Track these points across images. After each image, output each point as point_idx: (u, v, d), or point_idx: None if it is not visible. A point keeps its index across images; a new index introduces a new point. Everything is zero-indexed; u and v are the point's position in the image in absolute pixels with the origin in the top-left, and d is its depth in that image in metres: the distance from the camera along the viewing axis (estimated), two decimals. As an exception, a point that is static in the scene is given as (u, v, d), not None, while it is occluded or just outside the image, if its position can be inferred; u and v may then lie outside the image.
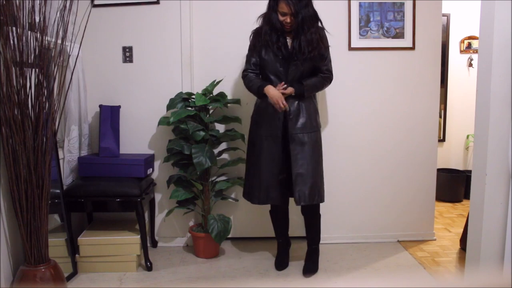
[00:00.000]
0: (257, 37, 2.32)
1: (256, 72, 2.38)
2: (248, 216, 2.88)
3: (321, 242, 2.47)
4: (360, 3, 2.73)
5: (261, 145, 2.31)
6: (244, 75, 2.40)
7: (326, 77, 2.37)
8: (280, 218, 2.52)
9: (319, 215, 2.42)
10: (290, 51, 2.25)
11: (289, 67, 2.26)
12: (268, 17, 2.25)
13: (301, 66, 2.26)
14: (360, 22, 2.74)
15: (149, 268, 2.45)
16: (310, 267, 2.40)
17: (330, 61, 2.37)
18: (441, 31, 2.83)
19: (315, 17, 2.24)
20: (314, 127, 2.31)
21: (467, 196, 3.68)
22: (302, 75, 2.29)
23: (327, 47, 2.32)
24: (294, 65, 2.26)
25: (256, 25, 2.36)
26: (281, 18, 2.21)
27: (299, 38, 2.22)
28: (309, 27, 2.20)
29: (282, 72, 2.27)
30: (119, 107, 2.71)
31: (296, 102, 2.28)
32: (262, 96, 2.30)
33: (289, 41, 2.28)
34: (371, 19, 2.75)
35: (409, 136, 2.84)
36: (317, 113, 2.37)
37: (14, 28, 1.80)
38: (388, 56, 2.79)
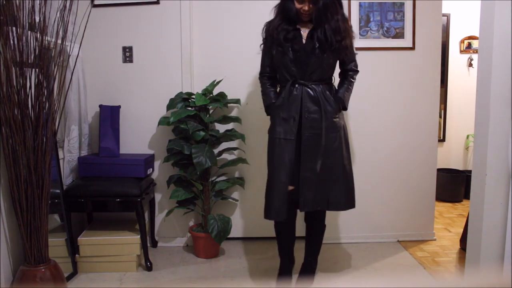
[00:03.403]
0: (268, 31, 2.10)
1: (271, 75, 2.18)
2: (248, 216, 2.88)
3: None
4: (360, 3, 2.73)
5: (273, 150, 2.07)
6: (260, 80, 2.23)
7: (353, 75, 2.16)
8: (285, 233, 2.21)
9: (324, 226, 2.24)
10: (306, 44, 2.00)
11: (307, 60, 2.00)
12: (282, 6, 2.03)
13: (328, 58, 2.01)
14: (360, 22, 2.74)
15: (149, 268, 2.45)
16: (302, 281, 2.19)
17: (355, 53, 2.16)
18: (441, 31, 2.83)
19: (338, 3, 2.01)
20: (335, 128, 2.05)
21: (467, 196, 3.68)
22: (323, 70, 2.03)
23: (353, 37, 2.11)
24: (316, 57, 1.98)
25: (271, 16, 2.15)
26: (298, 5, 1.98)
27: (323, 27, 1.97)
28: (332, 14, 1.97)
29: (294, 68, 2.02)
30: (119, 107, 2.71)
31: (315, 96, 2.02)
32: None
33: (304, 32, 2.02)
34: (371, 19, 2.75)
35: (409, 136, 2.84)
36: (339, 111, 2.11)
37: (14, 28, 1.80)
38: (388, 56, 2.79)
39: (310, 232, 2.24)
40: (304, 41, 2.01)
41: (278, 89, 2.20)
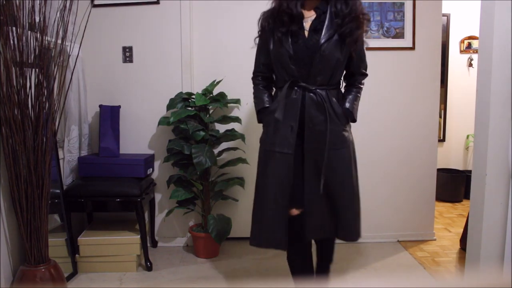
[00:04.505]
0: (266, 20, 1.76)
1: (266, 75, 1.87)
2: (248, 216, 2.85)
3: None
4: (360, 3, 2.73)
5: (266, 164, 1.76)
6: (253, 81, 1.92)
7: (362, 79, 1.87)
8: (302, 267, 1.90)
9: (332, 257, 1.97)
10: (308, 38, 1.68)
11: (309, 58, 1.67)
12: None
13: (333, 50, 1.66)
14: (360, 22, 2.74)
15: (149, 268, 2.45)
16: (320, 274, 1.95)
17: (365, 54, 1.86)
18: (441, 31, 2.83)
19: None
20: (345, 143, 1.74)
21: (467, 196, 3.68)
22: (330, 70, 1.70)
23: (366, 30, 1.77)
24: (321, 54, 1.65)
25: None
26: None
27: (333, 1, 1.67)
28: None
29: (293, 66, 1.69)
30: (119, 107, 2.71)
31: (320, 102, 1.70)
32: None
33: (306, 23, 1.70)
34: (371, 19, 2.75)
35: (409, 136, 2.84)
36: (348, 122, 1.80)
37: (14, 28, 1.80)
38: (388, 56, 2.79)
39: (319, 248, 1.95)
40: (306, 34, 1.69)
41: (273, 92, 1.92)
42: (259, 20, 1.80)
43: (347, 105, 1.78)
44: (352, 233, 1.77)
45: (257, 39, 1.86)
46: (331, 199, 1.73)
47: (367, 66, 1.87)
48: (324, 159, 1.68)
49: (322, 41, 1.65)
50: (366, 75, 1.88)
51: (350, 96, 1.81)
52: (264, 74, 1.88)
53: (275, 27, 1.71)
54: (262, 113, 1.84)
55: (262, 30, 1.79)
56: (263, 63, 1.85)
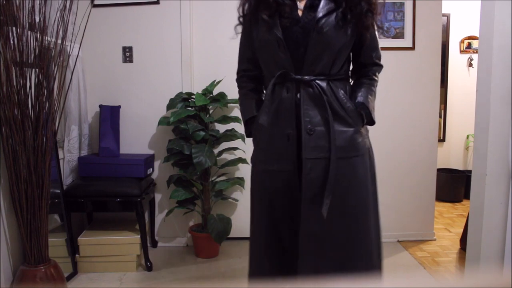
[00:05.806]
0: (247, 0, 1.39)
1: (254, 73, 1.50)
2: (248, 216, 2.86)
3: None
4: (360, 3, 2.73)
5: (261, 188, 1.42)
6: (238, 83, 1.55)
7: (376, 71, 1.45)
8: None
9: None
10: (303, 16, 1.30)
11: (304, 41, 1.28)
12: None
13: (334, 27, 1.27)
14: (360, 22, 2.74)
15: (149, 268, 2.45)
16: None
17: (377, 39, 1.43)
18: (441, 31, 2.83)
19: None
20: (357, 151, 1.34)
21: (467, 196, 3.68)
22: (331, 54, 1.30)
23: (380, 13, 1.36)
24: (319, 33, 1.26)
25: None
26: None
27: None
28: None
29: (282, 55, 1.30)
30: (119, 107, 2.71)
31: (318, 96, 1.30)
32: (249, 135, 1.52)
33: (300, 1, 1.32)
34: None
35: (409, 136, 2.84)
36: (362, 122, 1.39)
37: (14, 28, 1.80)
38: (388, 56, 2.78)
39: None
40: (300, 13, 1.31)
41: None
42: (239, 3, 1.42)
43: (360, 98, 1.37)
44: (361, 267, 1.37)
45: (239, 28, 1.48)
46: (339, 225, 1.32)
47: (380, 56, 1.45)
48: (330, 170, 1.27)
49: (320, 15, 1.27)
50: (381, 66, 1.46)
51: (362, 89, 1.40)
52: (251, 73, 1.50)
53: (259, 9, 1.33)
54: (251, 123, 1.47)
55: (244, 15, 1.42)
56: (248, 58, 1.48)
